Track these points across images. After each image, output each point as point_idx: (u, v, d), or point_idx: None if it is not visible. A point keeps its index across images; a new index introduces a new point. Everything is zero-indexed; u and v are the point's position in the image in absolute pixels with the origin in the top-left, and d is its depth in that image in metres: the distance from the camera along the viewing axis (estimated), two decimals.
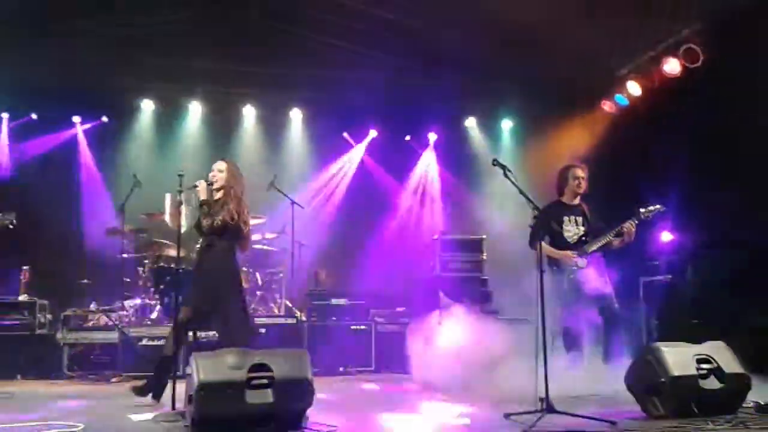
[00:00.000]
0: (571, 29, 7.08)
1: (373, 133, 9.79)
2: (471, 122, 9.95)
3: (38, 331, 7.17)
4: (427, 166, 10.01)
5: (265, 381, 3.91)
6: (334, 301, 7.49)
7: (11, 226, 5.85)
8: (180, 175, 4.92)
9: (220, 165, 5.24)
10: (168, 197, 4.70)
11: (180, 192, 4.94)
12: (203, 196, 5.10)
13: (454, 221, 9.05)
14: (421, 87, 8.89)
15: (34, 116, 8.85)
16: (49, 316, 7.40)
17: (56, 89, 8.31)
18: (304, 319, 7.46)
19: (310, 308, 7.49)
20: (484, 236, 7.89)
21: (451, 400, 5.22)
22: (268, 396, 3.88)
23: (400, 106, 9.35)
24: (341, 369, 7.07)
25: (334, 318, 7.48)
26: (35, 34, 7.65)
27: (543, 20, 7.00)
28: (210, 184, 5.13)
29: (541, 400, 4.14)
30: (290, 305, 8.06)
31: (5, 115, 8.90)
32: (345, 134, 9.80)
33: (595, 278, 5.71)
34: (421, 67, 8.61)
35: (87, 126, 9.13)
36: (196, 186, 5.08)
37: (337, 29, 8.10)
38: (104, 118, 9.11)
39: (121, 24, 7.89)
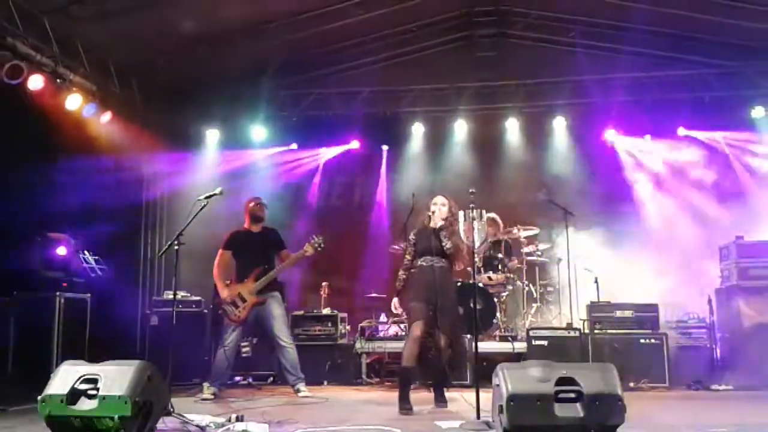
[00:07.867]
0: None
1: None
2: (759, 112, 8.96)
3: (339, 341, 7.89)
4: None
5: (572, 395, 3.88)
6: (618, 313, 7.15)
7: (320, 249, 6.53)
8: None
9: (443, 200, 5.73)
10: (461, 214, 4.90)
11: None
12: (440, 223, 5.60)
13: None
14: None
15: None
16: (348, 327, 8.17)
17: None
18: (586, 331, 7.24)
19: (592, 320, 7.24)
20: None
21: None
22: (577, 410, 3.84)
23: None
24: (631, 384, 6.70)
25: (619, 330, 7.14)
26: None
27: None
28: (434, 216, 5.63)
29: None
30: (569, 317, 7.89)
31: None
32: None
33: None
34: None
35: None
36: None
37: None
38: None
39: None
